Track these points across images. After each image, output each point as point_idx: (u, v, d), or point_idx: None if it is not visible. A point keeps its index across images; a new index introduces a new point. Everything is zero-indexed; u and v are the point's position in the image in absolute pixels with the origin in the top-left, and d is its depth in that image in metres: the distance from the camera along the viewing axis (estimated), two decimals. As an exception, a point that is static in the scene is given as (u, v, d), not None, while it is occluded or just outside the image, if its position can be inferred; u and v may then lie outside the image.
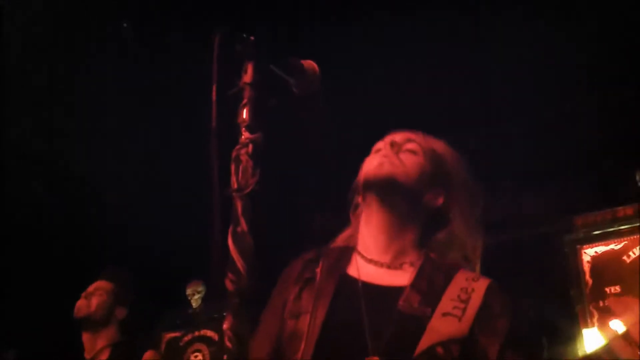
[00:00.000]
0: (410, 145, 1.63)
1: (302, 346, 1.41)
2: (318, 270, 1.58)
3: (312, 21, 3.84)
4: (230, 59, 1.15)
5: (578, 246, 4.48)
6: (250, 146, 1.10)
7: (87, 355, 3.16)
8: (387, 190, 1.57)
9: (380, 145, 1.66)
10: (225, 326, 1.00)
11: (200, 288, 5.67)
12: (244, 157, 1.09)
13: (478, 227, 1.65)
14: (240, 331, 1.00)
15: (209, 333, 5.53)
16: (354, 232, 1.68)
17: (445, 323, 1.43)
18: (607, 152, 4.40)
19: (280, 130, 1.35)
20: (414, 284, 1.52)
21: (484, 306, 1.47)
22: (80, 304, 3.19)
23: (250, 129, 1.12)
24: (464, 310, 1.46)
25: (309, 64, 1.33)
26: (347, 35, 3.90)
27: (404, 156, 1.60)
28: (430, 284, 1.52)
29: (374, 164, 1.60)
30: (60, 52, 4.15)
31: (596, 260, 4.40)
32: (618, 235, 4.37)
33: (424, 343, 1.39)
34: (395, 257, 1.58)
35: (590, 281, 4.35)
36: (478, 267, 1.61)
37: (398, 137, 1.65)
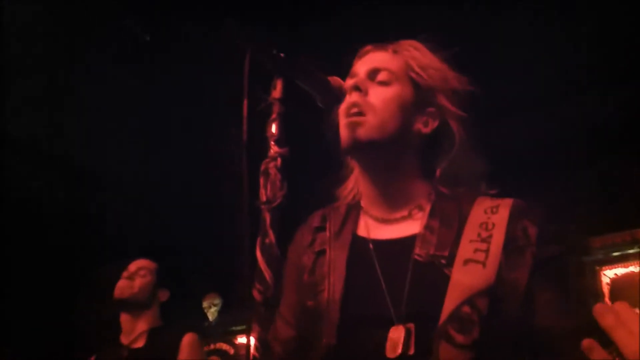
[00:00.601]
0: (381, 76, 1.47)
1: (325, 328, 1.33)
2: (327, 238, 1.50)
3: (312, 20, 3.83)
4: (259, 75, 1.19)
5: (597, 267, 4.45)
6: (279, 160, 1.12)
7: (124, 339, 3.03)
8: (365, 153, 1.47)
9: (348, 85, 1.45)
10: (252, 335, 1.02)
11: (217, 301, 5.70)
12: (272, 171, 1.12)
13: (478, 145, 1.50)
14: (267, 340, 1.02)
15: (225, 346, 5.54)
16: (354, 185, 1.58)
17: (468, 273, 1.28)
18: (626, 174, 4.39)
19: (306, 143, 1.37)
20: (427, 227, 1.40)
21: (508, 241, 1.32)
22: (123, 284, 3.04)
23: (278, 143, 1.14)
24: (487, 251, 1.30)
25: (334, 79, 1.37)
26: (348, 35, 3.88)
27: (375, 94, 1.44)
28: (445, 223, 1.39)
29: (342, 130, 1.45)
30: (77, 55, 4.19)
31: (616, 282, 4.37)
32: (638, 257, 4.34)
33: (448, 305, 1.25)
34: (401, 206, 1.46)
35: (609, 303, 4.31)
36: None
37: (364, 66, 1.50)
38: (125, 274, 3.10)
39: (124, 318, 3.09)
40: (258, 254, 1.07)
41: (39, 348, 4.87)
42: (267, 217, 1.09)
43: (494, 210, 1.38)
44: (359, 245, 1.45)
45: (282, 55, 1.20)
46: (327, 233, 1.50)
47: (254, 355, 1.01)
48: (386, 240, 1.44)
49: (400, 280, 1.33)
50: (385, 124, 1.42)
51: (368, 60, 1.51)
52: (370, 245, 1.43)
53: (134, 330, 3.03)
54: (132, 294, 3.04)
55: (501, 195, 1.44)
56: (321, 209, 1.59)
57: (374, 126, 1.41)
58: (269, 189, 1.10)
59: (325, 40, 3.64)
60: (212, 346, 5.60)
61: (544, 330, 1.25)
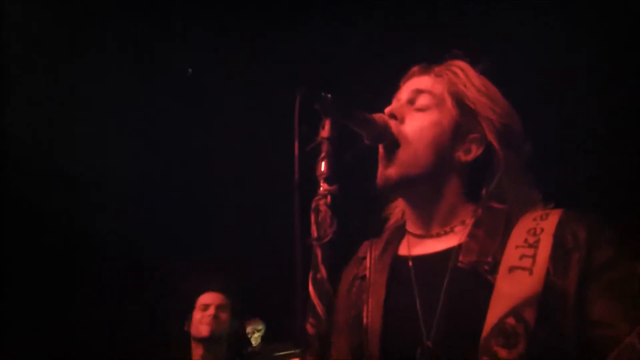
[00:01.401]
0: (420, 101, 1.45)
1: (368, 345, 1.33)
2: (367, 263, 1.50)
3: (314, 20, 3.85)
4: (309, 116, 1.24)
5: None
6: (329, 197, 1.17)
7: None
8: (399, 189, 1.47)
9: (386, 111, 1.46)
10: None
11: (260, 326, 5.73)
12: (322, 208, 1.16)
13: (526, 169, 1.44)
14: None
15: (268, 372, 5.55)
16: (399, 215, 1.58)
17: (513, 281, 1.22)
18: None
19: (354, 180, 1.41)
20: (471, 235, 1.36)
21: (556, 245, 1.24)
22: (209, 321, 3.04)
23: (328, 181, 1.19)
24: (534, 257, 1.23)
25: (380, 116, 1.42)
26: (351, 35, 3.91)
27: (411, 122, 1.42)
28: (490, 232, 1.34)
29: (379, 166, 1.44)
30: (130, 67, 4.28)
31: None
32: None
33: (491, 317, 1.19)
34: (444, 224, 1.44)
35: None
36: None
37: (407, 91, 1.49)
38: (204, 310, 3.11)
39: (199, 352, 3.11)
40: (310, 288, 1.11)
41: (39, 349, 4.93)
42: (319, 253, 1.14)
43: (544, 217, 1.32)
44: (399, 265, 1.45)
45: (329, 96, 1.25)
46: (368, 258, 1.52)
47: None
48: (425, 254, 1.43)
49: (437, 293, 1.32)
50: (417, 158, 1.41)
51: (412, 84, 1.50)
52: (410, 262, 1.43)
53: None
54: (219, 331, 3.07)
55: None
56: (367, 240, 1.60)
57: (404, 163, 1.40)
58: (320, 226, 1.15)
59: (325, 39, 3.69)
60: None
61: (598, 341, 1.17)
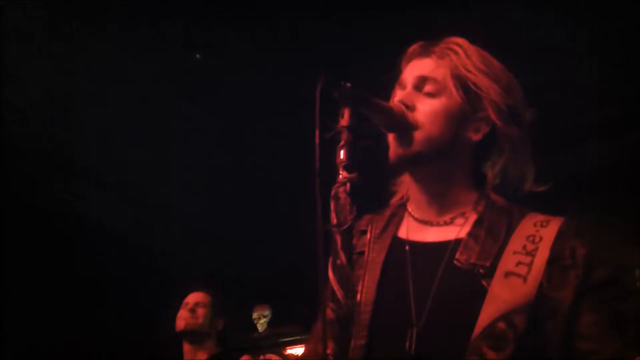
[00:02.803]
0: (427, 87, 1.43)
1: (355, 329, 1.32)
2: (367, 237, 1.50)
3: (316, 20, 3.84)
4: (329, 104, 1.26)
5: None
6: (348, 185, 1.19)
7: None
8: (413, 166, 1.47)
9: (396, 99, 1.45)
10: (328, 351, 1.09)
11: (267, 312, 5.79)
12: (342, 195, 1.18)
13: (530, 143, 1.44)
14: (341, 357, 1.09)
15: (274, 357, 5.60)
16: (405, 192, 1.57)
17: (507, 287, 1.24)
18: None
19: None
20: (472, 234, 1.37)
21: (553, 258, 1.26)
22: (186, 316, 3.27)
23: (347, 168, 1.20)
24: (530, 265, 1.26)
25: (396, 105, 1.43)
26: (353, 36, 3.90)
27: (423, 108, 1.41)
28: (492, 234, 1.35)
29: (390, 145, 1.44)
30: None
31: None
32: None
33: (483, 319, 1.22)
34: (446, 212, 1.45)
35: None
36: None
37: (410, 76, 1.47)
38: (185, 306, 3.32)
39: (187, 348, 3.29)
40: (330, 274, 1.14)
41: (39, 350, 4.97)
42: (338, 240, 1.16)
43: (544, 224, 1.33)
44: (397, 247, 1.46)
45: (349, 85, 1.27)
46: (368, 235, 1.52)
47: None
48: (422, 242, 1.44)
49: (430, 283, 1.33)
50: (432, 138, 1.40)
51: (414, 69, 1.49)
52: (407, 247, 1.44)
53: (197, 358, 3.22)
54: (197, 325, 3.25)
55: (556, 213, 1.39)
56: (370, 214, 1.60)
57: (419, 140, 1.40)
58: (339, 213, 1.17)
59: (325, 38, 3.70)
60: (261, 357, 5.67)
61: (585, 354, 1.21)
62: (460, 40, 1.49)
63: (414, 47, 1.54)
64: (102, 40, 3.98)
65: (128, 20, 3.86)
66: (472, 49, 1.47)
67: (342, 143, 1.22)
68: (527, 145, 1.45)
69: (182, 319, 3.28)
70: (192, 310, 3.29)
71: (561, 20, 3.63)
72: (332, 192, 1.19)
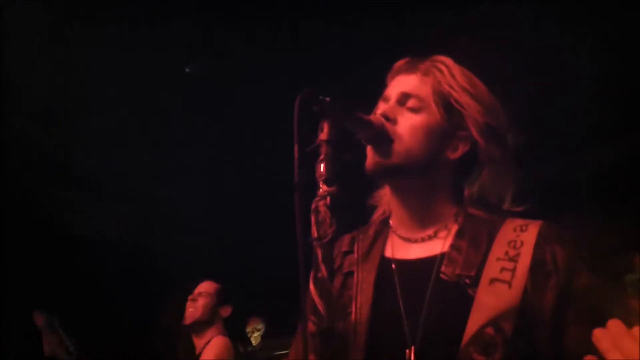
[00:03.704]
0: (410, 103, 1.45)
1: (352, 351, 1.33)
2: (354, 260, 1.51)
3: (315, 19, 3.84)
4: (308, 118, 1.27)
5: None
6: (328, 198, 1.19)
7: (196, 352, 3.34)
8: (394, 177, 1.48)
9: (379, 111, 1.47)
10: (308, 364, 1.09)
11: (260, 326, 5.77)
12: (322, 209, 1.19)
13: (512, 164, 1.46)
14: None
15: (267, 370, 5.58)
16: (386, 207, 1.58)
17: (493, 294, 1.26)
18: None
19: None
20: (454, 246, 1.39)
21: (536, 262, 1.29)
22: (188, 309, 3.36)
23: (327, 182, 1.21)
24: (514, 271, 1.28)
25: (376, 118, 1.44)
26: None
27: (404, 122, 1.43)
28: (473, 244, 1.37)
29: (369, 153, 1.45)
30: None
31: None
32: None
33: (471, 326, 1.24)
34: (428, 227, 1.46)
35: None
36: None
37: (395, 91, 1.48)
38: (189, 298, 3.41)
39: (195, 338, 3.40)
40: (311, 287, 1.14)
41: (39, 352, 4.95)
42: (319, 253, 1.16)
43: (524, 228, 1.36)
44: (385, 266, 1.46)
45: (327, 99, 1.28)
46: (355, 255, 1.52)
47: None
48: (408, 260, 1.45)
49: (420, 300, 1.35)
50: (410, 152, 1.42)
51: (399, 84, 1.50)
52: (393, 266, 1.45)
53: (200, 345, 3.34)
54: (195, 317, 3.34)
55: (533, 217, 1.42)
56: (350, 233, 1.61)
57: (398, 152, 1.41)
58: (320, 226, 1.18)
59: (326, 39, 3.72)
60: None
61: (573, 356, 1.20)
62: (446, 59, 1.52)
63: (400, 63, 1.56)
64: (103, 43, 3.99)
65: (128, 23, 3.87)
66: (457, 68, 1.49)
67: (322, 157, 1.24)
68: (509, 166, 1.47)
69: (185, 315, 3.38)
70: (194, 300, 3.37)
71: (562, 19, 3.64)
72: (313, 206, 1.20)
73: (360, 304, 1.40)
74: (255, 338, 5.78)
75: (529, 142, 1.53)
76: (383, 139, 1.43)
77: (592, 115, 4.31)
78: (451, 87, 1.45)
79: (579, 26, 3.64)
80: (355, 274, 1.47)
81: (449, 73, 1.47)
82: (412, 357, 1.29)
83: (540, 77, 3.90)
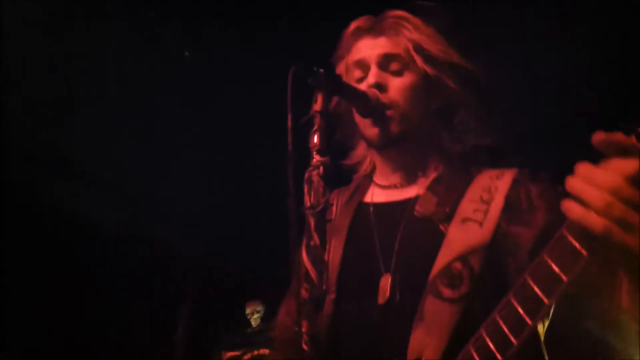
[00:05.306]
0: (393, 66, 1.48)
1: (327, 278, 1.38)
2: (333, 208, 1.57)
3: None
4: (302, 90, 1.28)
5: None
6: (321, 168, 1.21)
7: None
8: (396, 145, 1.50)
9: (363, 81, 1.48)
10: (302, 330, 1.11)
11: (259, 307, 5.80)
12: (315, 178, 1.21)
13: (488, 110, 1.50)
14: (316, 335, 1.11)
15: (268, 352, 5.62)
16: (366, 163, 1.64)
17: (464, 231, 1.32)
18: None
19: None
20: (430, 188, 1.45)
21: (509, 205, 1.33)
22: None
23: (320, 152, 1.22)
24: (486, 212, 1.33)
25: (370, 90, 1.45)
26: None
27: (393, 88, 1.46)
28: (449, 186, 1.43)
29: (370, 127, 1.48)
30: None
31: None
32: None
33: (440, 260, 1.29)
34: (411, 175, 1.52)
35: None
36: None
37: (372, 55, 1.49)
38: None
39: None
40: (304, 255, 1.16)
41: (38, 352, 4.97)
42: (312, 222, 1.18)
43: (499, 176, 1.41)
44: (362, 210, 1.53)
45: (322, 70, 1.29)
46: (334, 205, 1.58)
47: (303, 348, 1.09)
48: (386, 202, 1.51)
49: (394, 236, 1.40)
50: (408, 117, 1.46)
51: (372, 48, 1.50)
52: (371, 209, 1.51)
53: None
54: None
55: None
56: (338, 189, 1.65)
57: (397, 120, 1.45)
58: (313, 196, 1.19)
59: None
60: (255, 352, 5.69)
61: None
62: (404, 13, 1.54)
63: (360, 24, 1.57)
64: (100, 39, 4.00)
65: (125, 19, 3.88)
66: (418, 21, 1.52)
67: (315, 127, 1.25)
68: (484, 112, 1.50)
69: None
70: None
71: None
72: (306, 176, 1.22)
73: (334, 244, 1.46)
74: (254, 320, 5.81)
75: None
76: (380, 110, 1.44)
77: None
78: (422, 41, 1.49)
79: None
80: (333, 221, 1.54)
81: (414, 28, 1.51)
82: (389, 283, 1.33)
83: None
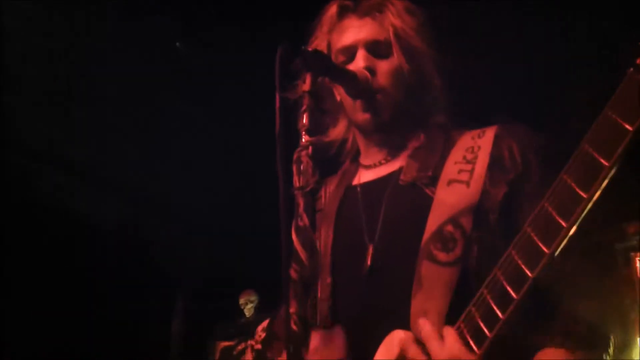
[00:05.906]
0: (380, 50, 1.47)
1: (323, 272, 1.38)
2: (322, 199, 1.58)
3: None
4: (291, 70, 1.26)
5: (632, 254, 4.40)
6: (310, 148, 1.20)
7: None
8: (383, 131, 1.51)
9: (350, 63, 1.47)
10: (291, 310, 1.10)
11: (253, 297, 5.80)
12: (304, 159, 1.19)
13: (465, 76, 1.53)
14: (304, 315, 1.10)
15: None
16: (350, 144, 1.64)
17: (452, 193, 1.31)
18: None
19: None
20: (412, 155, 1.45)
21: (494, 161, 1.32)
22: None
23: (309, 132, 1.21)
24: (472, 172, 1.32)
25: (360, 70, 1.43)
26: None
27: (381, 72, 1.45)
28: (430, 150, 1.43)
29: (357, 110, 1.47)
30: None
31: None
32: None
33: (431, 223, 1.28)
34: (394, 151, 1.52)
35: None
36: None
37: (360, 40, 1.48)
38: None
39: None
40: (293, 236, 1.14)
41: (38, 351, 4.97)
42: (301, 202, 1.17)
43: (481, 135, 1.40)
44: (350, 193, 1.53)
45: (310, 50, 1.27)
46: (322, 194, 1.58)
47: (292, 330, 1.08)
48: (372, 180, 1.51)
49: (380, 209, 1.40)
50: (397, 101, 1.46)
51: (358, 31, 1.49)
52: (358, 189, 1.51)
53: None
54: None
55: None
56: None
57: (386, 105, 1.45)
58: (302, 176, 1.18)
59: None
60: (249, 342, 5.69)
61: None
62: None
63: (342, 3, 1.55)
64: (100, 39, 3.99)
65: (125, 18, 3.86)
66: (399, 6, 1.51)
67: (304, 108, 1.23)
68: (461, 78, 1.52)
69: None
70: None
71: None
72: (295, 156, 1.20)
73: (325, 231, 1.46)
74: (249, 310, 5.82)
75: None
76: (370, 92, 1.43)
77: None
78: (401, 29, 1.48)
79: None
80: (322, 209, 1.54)
81: (395, 9, 1.50)
82: (370, 255, 1.33)
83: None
